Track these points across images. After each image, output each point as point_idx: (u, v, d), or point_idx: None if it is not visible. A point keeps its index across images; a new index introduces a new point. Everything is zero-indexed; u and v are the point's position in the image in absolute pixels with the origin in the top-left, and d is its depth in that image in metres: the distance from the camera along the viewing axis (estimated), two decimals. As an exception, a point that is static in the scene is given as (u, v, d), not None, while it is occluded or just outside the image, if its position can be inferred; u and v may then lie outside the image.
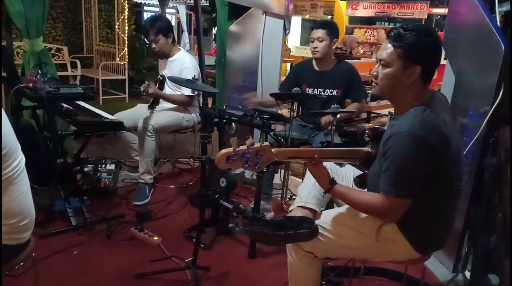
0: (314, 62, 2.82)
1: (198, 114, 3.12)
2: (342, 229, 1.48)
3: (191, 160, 3.59)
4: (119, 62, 6.32)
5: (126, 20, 6.35)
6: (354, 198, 1.42)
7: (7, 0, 2.96)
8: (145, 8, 20.92)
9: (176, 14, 21.14)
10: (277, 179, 2.98)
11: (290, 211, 1.63)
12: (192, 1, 18.30)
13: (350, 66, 2.83)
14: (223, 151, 1.20)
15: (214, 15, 9.06)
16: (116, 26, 6.40)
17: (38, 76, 2.37)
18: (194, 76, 2.52)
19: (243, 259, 2.24)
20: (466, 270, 2.16)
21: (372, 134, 1.59)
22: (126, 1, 6.30)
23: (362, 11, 9.00)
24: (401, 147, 1.28)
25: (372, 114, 5.72)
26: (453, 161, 1.37)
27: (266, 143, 1.28)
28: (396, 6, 8.40)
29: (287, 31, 3.22)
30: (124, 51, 6.36)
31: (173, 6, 19.66)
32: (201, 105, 3.14)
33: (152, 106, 3.00)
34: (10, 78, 2.89)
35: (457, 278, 2.15)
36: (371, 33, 8.58)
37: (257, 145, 1.25)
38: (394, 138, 1.31)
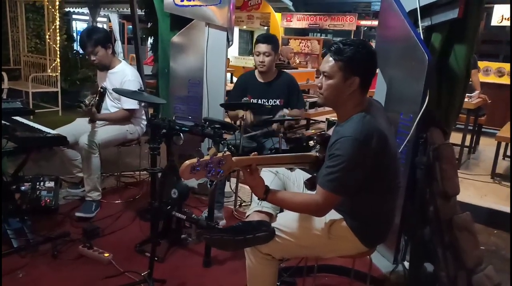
0: (257, 73, 2.94)
1: (143, 126, 3.08)
2: (297, 229, 1.58)
3: (138, 173, 3.52)
4: (50, 74, 6.00)
5: (58, 30, 6.05)
6: (289, 201, 1.51)
7: None
8: (74, 16, 19.99)
9: (108, 23, 20.45)
10: (227, 187, 3.04)
11: (247, 216, 1.70)
12: (125, 10, 17.84)
13: (291, 77, 2.99)
14: (188, 162, 1.24)
15: (149, 24, 8.93)
16: (47, 36, 6.08)
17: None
18: (140, 87, 2.51)
19: (198, 268, 2.26)
20: (405, 261, 2.36)
21: (320, 140, 1.71)
22: (57, 10, 6.01)
23: (296, 23, 9.42)
24: (346, 150, 1.40)
25: (311, 121, 5.99)
26: (391, 161, 1.53)
27: (228, 153, 1.34)
28: (327, 19, 8.92)
29: (230, 43, 3.31)
30: (56, 62, 6.05)
31: (105, 14, 19.02)
32: (149, 116, 3.10)
33: (93, 120, 2.90)
34: None
35: (397, 268, 2.35)
36: (305, 43, 8.98)
37: (220, 154, 1.31)
38: (339, 142, 1.43)
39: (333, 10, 10.22)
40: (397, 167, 1.61)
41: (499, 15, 6.76)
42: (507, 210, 3.50)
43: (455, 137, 4.61)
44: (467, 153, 5.03)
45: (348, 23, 8.66)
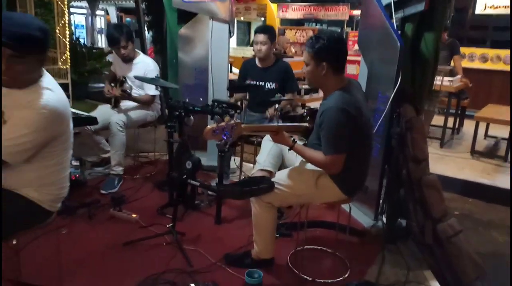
0: (257, 60, 3.34)
1: (158, 110, 3.50)
2: (291, 182, 2.00)
3: (152, 153, 3.93)
4: (61, 66, 6.37)
5: (67, 25, 6.41)
6: (308, 154, 1.94)
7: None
8: (71, 10, 20.16)
9: (106, 15, 20.66)
10: (232, 164, 3.46)
11: (252, 173, 2.13)
12: (122, 3, 18.05)
13: (286, 64, 3.40)
14: (209, 126, 1.67)
15: (150, 17, 9.25)
16: (57, 31, 6.43)
17: None
18: (157, 75, 2.92)
19: (211, 225, 2.69)
20: (383, 217, 2.79)
21: (309, 113, 2.13)
22: (66, 6, 6.36)
23: (292, 14, 9.76)
24: (331, 117, 1.83)
25: (306, 107, 6.39)
26: (365, 126, 1.95)
27: (238, 121, 1.76)
28: (321, 9, 9.27)
29: (232, 34, 3.70)
30: (66, 55, 6.41)
31: (102, 7, 19.23)
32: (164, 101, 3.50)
33: (116, 106, 3.30)
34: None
35: (377, 224, 2.79)
36: (301, 33, 9.32)
37: (232, 122, 1.73)
38: (325, 112, 1.86)
39: (326, 0, 10.54)
40: (370, 132, 2.03)
41: (482, 3, 7.13)
42: (482, 181, 3.94)
43: (439, 120, 5.05)
44: (451, 134, 5.45)
45: (341, 13, 9.00)
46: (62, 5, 6.41)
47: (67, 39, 6.46)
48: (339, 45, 1.92)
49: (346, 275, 2.22)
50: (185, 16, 3.76)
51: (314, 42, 1.89)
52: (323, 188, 1.98)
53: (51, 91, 1.55)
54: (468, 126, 5.74)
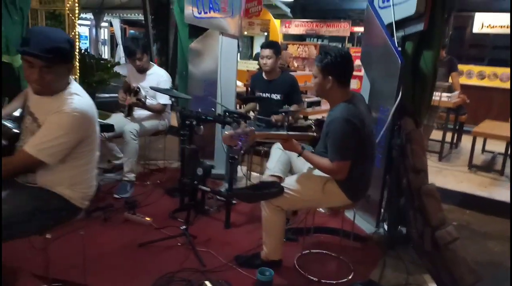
0: (264, 73, 3.52)
1: (168, 120, 3.65)
2: (300, 187, 2.15)
3: (161, 161, 4.08)
4: (71, 77, 6.55)
5: (77, 36, 6.61)
6: (316, 160, 2.09)
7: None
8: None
9: (110, 27, 21.02)
10: (239, 172, 3.60)
11: (263, 179, 2.27)
12: (127, 16, 18.41)
13: (291, 77, 3.59)
14: (227, 132, 1.83)
15: (155, 30, 9.51)
16: (68, 42, 6.64)
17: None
18: (171, 86, 3.08)
19: (220, 229, 2.83)
20: (384, 224, 2.93)
21: (317, 123, 2.29)
22: (77, 18, 6.58)
23: (295, 29, 10.03)
24: (337, 127, 1.99)
25: (308, 119, 6.56)
26: (368, 136, 2.11)
27: (252, 128, 1.92)
28: (323, 25, 9.54)
29: (240, 49, 3.89)
30: (75, 65, 6.61)
31: (107, 19, 19.58)
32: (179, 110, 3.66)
33: (130, 114, 3.45)
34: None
35: (378, 231, 2.92)
36: (303, 48, 9.57)
37: (247, 129, 1.88)
38: (332, 122, 2.02)
39: (328, 17, 10.82)
40: (373, 142, 2.19)
41: (479, 23, 7.38)
42: (480, 194, 4.08)
43: (438, 135, 5.22)
44: (449, 148, 5.62)
45: (343, 29, 9.28)
46: (72, 17, 6.64)
47: (77, 51, 6.66)
48: (345, 61, 2.08)
49: (350, 277, 2.34)
50: (196, 31, 3.94)
51: (322, 57, 2.06)
52: (329, 193, 2.12)
53: (80, 96, 1.71)
54: (466, 141, 5.90)
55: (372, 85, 2.99)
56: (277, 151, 2.39)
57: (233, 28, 3.71)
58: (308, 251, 2.55)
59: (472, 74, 7.27)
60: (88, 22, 19.40)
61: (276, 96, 3.44)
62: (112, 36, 21.32)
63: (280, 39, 9.83)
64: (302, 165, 2.37)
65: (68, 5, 6.47)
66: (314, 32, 9.88)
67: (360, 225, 2.95)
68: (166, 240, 2.54)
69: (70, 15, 6.62)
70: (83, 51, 7.75)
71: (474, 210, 3.94)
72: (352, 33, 9.84)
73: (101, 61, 8.12)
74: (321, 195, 2.13)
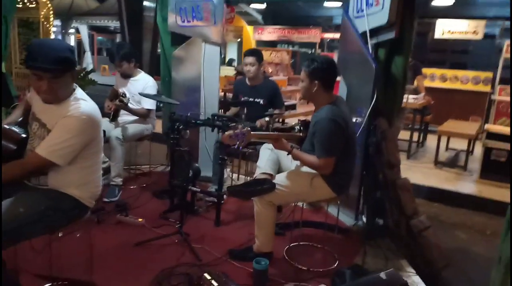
0: (247, 79, 3.70)
1: (153, 125, 3.76)
2: (290, 182, 2.33)
3: (146, 166, 4.16)
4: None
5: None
6: (305, 157, 2.28)
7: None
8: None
9: (76, 34, 20.61)
10: (225, 175, 3.73)
11: (255, 176, 2.44)
12: (96, 22, 18.19)
13: (273, 83, 3.78)
14: (227, 132, 1.99)
15: (130, 37, 9.55)
16: (42, 49, 6.58)
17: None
18: (158, 91, 3.20)
19: (211, 227, 2.97)
20: (363, 217, 3.16)
21: (303, 123, 2.48)
22: (51, 26, 6.54)
23: (267, 36, 10.30)
24: (323, 127, 2.19)
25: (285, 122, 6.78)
26: (351, 135, 2.33)
27: (248, 128, 2.09)
28: (295, 32, 9.86)
29: (222, 55, 4.05)
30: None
31: (73, 26, 19.22)
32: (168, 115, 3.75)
33: (114, 120, 3.52)
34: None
35: (358, 223, 3.15)
36: (276, 54, 9.84)
37: (244, 129, 2.05)
38: (318, 122, 2.22)
39: (298, 23, 11.17)
40: (355, 140, 2.41)
41: (440, 29, 7.89)
42: (446, 187, 4.42)
43: (405, 134, 5.56)
44: (416, 147, 5.99)
45: (313, 35, 9.63)
46: (47, 25, 6.60)
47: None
48: (331, 68, 2.30)
49: (335, 265, 2.55)
50: (179, 39, 4.07)
51: (310, 63, 2.26)
52: (316, 187, 2.32)
53: (86, 101, 1.82)
54: (431, 140, 6.30)
55: (348, 89, 3.23)
56: (266, 151, 2.57)
57: (215, 36, 3.87)
58: (295, 243, 2.74)
59: (435, 77, 7.74)
60: (55, 29, 18.99)
61: (259, 100, 3.62)
62: (79, 43, 20.93)
63: (253, 45, 10.06)
64: (289, 163, 2.56)
65: (42, 13, 6.46)
66: (286, 38, 10.18)
67: (340, 218, 3.16)
68: (161, 239, 2.66)
69: (45, 22, 6.60)
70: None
71: (441, 202, 4.27)
72: (322, 39, 10.21)
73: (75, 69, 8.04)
74: (309, 189, 2.32)
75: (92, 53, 20.33)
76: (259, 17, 10.99)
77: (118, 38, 20.24)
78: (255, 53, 3.62)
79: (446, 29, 7.87)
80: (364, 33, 3.05)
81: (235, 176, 4.07)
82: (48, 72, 1.67)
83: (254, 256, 2.41)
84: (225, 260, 2.48)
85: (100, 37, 23.29)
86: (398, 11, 2.84)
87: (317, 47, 10.28)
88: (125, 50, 3.50)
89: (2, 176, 1.62)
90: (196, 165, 3.11)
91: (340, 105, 2.33)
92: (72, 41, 20.60)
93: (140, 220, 2.90)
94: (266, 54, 9.82)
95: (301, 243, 2.80)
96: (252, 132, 2.13)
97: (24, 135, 1.85)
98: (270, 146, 2.56)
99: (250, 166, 3.99)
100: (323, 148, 2.20)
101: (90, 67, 15.81)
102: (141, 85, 3.55)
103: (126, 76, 3.61)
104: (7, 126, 1.84)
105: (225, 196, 3.31)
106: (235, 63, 9.29)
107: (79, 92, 1.85)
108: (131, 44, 3.95)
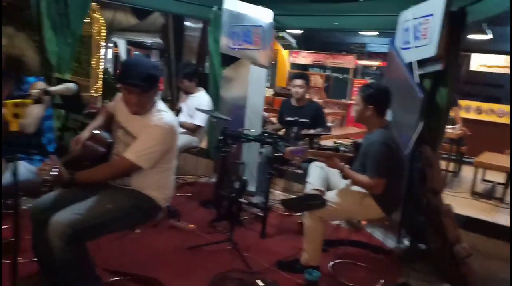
0: (292, 100, 3.89)
1: (202, 138, 3.99)
2: (341, 200, 2.47)
3: (189, 176, 4.37)
4: (93, 94, 6.91)
5: (101, 58, 7.01)
6: (356, 176, 2.42)
7: (46, 42, 3.64)
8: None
9: (113, 48, 21.51)
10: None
11: (306, 192, 2.58)
12: (132, 37, 19.02)
13: (317, 104, 3.97)
14: (289, 148, 2.16)
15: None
16: (93, 62, 7.02)
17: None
18: (212, 109, 3.44)
19: (257, 238, 3.11)
20: (405, 240, 3.23)
21: (354, 145, 2.63)
22: (103, 41, 6.99)
23: (302, 59, 10.56)
24: (376, 149, 2.34)
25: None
26: (401, 159, 2.45)
27: (307, 145, 2.26)
28: (329, 57, 10.08)
29: (268, 77, 4.26)
30: (98, 84, 6.97)
31: (112, 41, 20.10)
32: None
33: None
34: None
35: (400, 246, 3.22)
36: (310, 78, 10.03)
37: (304, 146, 2.22)
38: (371, 145, 2.37)
39: (331, 49, 11.42)
40: (404, 164, 2.53)
41: (475, 62, 7.95)
42: (483, 218, 4.42)
43: (441, 164, 5.58)
44: (452, 176, 5.99)
45: (348, 61, 9.82)
46: (99, 39, 7.04)
47: (100, 70, 7.04)
48: (385, 94, 2.45)
49: (379, 284, 2.63)
50: (227, 59, 4.33)
51: (365, 89, 2.43)
52: (366, 206, 2.44)
53: (166, 112, 2.02)
54: (465, 171, 6.30)
55: (394, 116, 3.36)
56: (316, 169, 2.71)
57: (263, 59, 4.09)
58: (339, 260, 2.84)
59: (470, 109, 7.75)
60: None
61: (303, 120, 3.79)
62: (116, 56, 21.84)
63: (287, 68, 10.34)
64: (338, 182, 2.69)
65: (95, 28, 6.91)
66: (320, 63, 10.41)
67: (383, 240, 3.25)
68: (212, 245, 2.82)
69: (97, 37, 7.04)
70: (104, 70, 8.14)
71: (477, 232, 4.27)
72: (356, 66, 10.40)
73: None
74: (358, 207, 2.44)
75: (129, 67, 21.17)
76: (293, 41, 11.30)
77: (154, 54, 21.12)
78: (304, 76, 3.82)
79: (482, 62, 7.93)
80: (410, 64, 3.19)
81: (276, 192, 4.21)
82: (137, 87, 1.87)
83: (301, 268, 2.53)
84: (273, 269, 2.61)
85: (136, 52, 24.27)
86: (446, 44, 2.99)
87: (352, 73, 10.46)
88: (188, 70, 3.79)
89: (97, 175, 1.83)
90: (244, 177, 3.28)
91: (391, 130, 2.47)
92: (109, 54, 21.50)
93: (191, 226, 3.07)
94: (300, 77, 10.04)
95: (345, 260, 2.89)
96: (310, 150, 2.29)
97: (110, 140, 2.06)
98: (319, 164, 2.71)
99: (287, 183, 4.14)
100: (375, 169, 2.33)
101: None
102: (197, 102, 3.80)
103: (187, 92, 3.88)
104: (98, 131, 2.06)
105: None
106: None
107: (160, 104, 2.05)
108: (197, 65, 4.32)
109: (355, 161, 2.57)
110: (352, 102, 8.68)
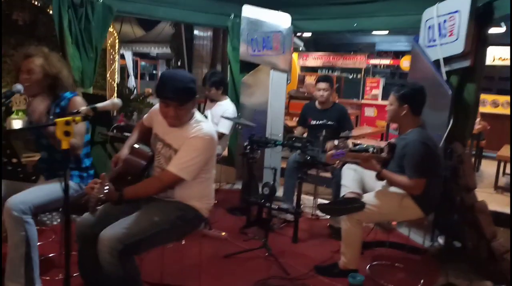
0: (317, 103, 3.88)
1: (225, 146, 3.99)
2: (379, 202, 2.45)
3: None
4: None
5: (117, 71, 7.09)
6: (395, 178, 2.39)
7: (69, 57, 3.68)
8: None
9: (120, 59, 21.71)
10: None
11: (343, 195, 2.56)
12: (138, 49, 19.20)
13: (342, 106, 3.94)
14: (330, 151, 2.15)
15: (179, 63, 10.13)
16: (108, 75, 7.10)
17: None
18: (236, 116, 3.46)
19: (289, 243, 3.10)
20: (439, 239, 3.19)
21: (390, 145, 2.60)
22: (117, 54, 7.07)
23: (312, 61, 10.55)
24: (415, 149, 2.32)
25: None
26: (439, 158, 2.43)
27: (347, 148, 2.25)
28: (340, 58, 10.06)
29: (288, 81, 4.27)
30: (114, 96, 7.03)
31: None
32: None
33: None
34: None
35: (434, 244, 3.19)
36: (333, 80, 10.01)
37: (344, 149, 2.21)
38: (409, 144, 2.35)
39: (340, 49, 11.39)
40: (441, 162, 2.50)
41: (491, 56, 7.87)
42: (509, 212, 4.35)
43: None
44: (472, 172, 5.92)
45: (359, 61, 9.79)
46: (113, 52, 7.12)
47: (116, 82, 7.11)
48: (420, 93, 2.44)
49: (420, 285, 2.60)
50: (246, 66, 4.35)
51: (399, 88, 2.41)
52: (406, 207, 2.42)
53: (205, 123, 2.02)
54: (484, 165, 6.23)
55: (424, 115, 3.32)
56: (349, 171, 2.69)
57: (283, 64, 4.11)
58: (376, 262, 2.81)
59: (486, 103, 7.67)
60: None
61: (330, 123, 3.78)
62: (123, 68, 22.08)
63: (297, 71, 10.32)
64: (373, 183, 2.67)
65: (109, 41, 6.98)
66: (330, 64, 10.40)
67: (417, 240, 3.22)
68: (247, 252, 2.81)
69: (111, 50, 7.12)
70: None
71: (504, 226, 4.20)
72: (367, 65, 10.37)
73: (133, 92, 8.58)
74: (397, 209, 2.42)
75: (136, 77, 21.38)
76: (301, 43, 11.30)
77: (160, 64, 21.32)
78: (328, 79, 3.81)
79: (497, 55, 7.85)
80: (437, 61, 3.17)
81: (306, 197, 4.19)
82: (174, 101, 1.87)
83: (340, 272, 2.52)
84: (312, 275, 2.59)
85: (142, 63, 24.50)
86: (473, 41, 2.97)
87: (364, 73, 10.41)
88: (215, 78, 3.81)
89: (143, 191, 1.85)
90: (272, 183, 3.26)
91: (426, 129, 2.45)
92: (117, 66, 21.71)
93: (223, 233, 3.07)
94: (311, 79, 10.04)
95: (382, 262, 2.87)
96: (348, 153, 2.28)
97: (151, 153, 2.07)
98: (352, 166, 2.70)
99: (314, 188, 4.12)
100: (415, 169, 2.31)
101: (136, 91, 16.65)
102: (222, 110, 3.81)
103: (213, 100, 3.91)
104: (137, 145, 2.07)
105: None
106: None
107: (198, 115, 2.05)
108: (222, 73, 4.33)
109: (390, 161, 2.55)
110: (365, 101, 8.63)
